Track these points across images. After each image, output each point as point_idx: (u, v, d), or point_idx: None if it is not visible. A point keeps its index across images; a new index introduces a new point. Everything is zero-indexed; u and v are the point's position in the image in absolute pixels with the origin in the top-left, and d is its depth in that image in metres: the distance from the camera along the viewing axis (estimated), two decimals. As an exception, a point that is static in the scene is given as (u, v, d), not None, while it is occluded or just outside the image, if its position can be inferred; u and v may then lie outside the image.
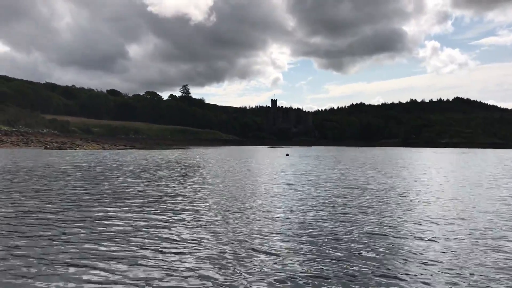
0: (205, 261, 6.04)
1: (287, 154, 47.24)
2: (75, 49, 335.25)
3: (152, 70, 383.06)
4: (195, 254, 6.38)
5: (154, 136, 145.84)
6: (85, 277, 5.35)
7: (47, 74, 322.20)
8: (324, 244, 7.02)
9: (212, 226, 8.29)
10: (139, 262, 5.92)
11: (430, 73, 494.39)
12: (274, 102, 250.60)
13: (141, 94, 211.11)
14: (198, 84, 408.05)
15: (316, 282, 5.30)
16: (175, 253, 6.42)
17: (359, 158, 40.80)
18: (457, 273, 5.71)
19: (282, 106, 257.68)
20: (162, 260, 6.07)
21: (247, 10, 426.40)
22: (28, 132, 66.88)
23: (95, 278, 5.32)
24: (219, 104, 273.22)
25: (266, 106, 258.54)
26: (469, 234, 7.97)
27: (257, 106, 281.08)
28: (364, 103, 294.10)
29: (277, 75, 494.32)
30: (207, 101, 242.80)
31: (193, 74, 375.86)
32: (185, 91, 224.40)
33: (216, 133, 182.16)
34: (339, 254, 6.50)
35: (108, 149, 54.98)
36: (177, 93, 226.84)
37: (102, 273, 5.50)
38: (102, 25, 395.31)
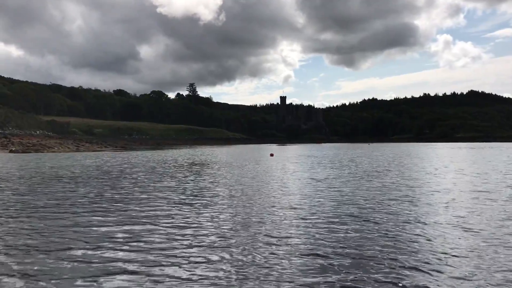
0: None
1: (272, 155, 43.81)
2: (88, 52, 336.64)
3: (164, 71, 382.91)
4: None
5: (158, 136, 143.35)
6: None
7: (61, 77, 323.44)
8: None
9: None
10: None
11: (443, 67, 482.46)
12: (283, 99, 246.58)
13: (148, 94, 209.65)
14: (209, 84, 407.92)
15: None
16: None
17: (362, 159, 34.47)
18: None
19: (292, 103, 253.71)
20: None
21: (256, 8, 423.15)
22: (14, 134, 64.78)
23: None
24: (231, 103, 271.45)
25: (277, 103, 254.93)
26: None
27: (268, 104, 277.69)
28: (376, 99, 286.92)
29: (289, 73, 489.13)
30: (219, 100, 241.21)
31: (205, 73, 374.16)
32: (192, 90, 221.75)
33: (222, 131, 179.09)
34: None
35: (83, 151, 52.30)
36: (186, 92, 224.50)
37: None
38: (113, 27, 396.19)
